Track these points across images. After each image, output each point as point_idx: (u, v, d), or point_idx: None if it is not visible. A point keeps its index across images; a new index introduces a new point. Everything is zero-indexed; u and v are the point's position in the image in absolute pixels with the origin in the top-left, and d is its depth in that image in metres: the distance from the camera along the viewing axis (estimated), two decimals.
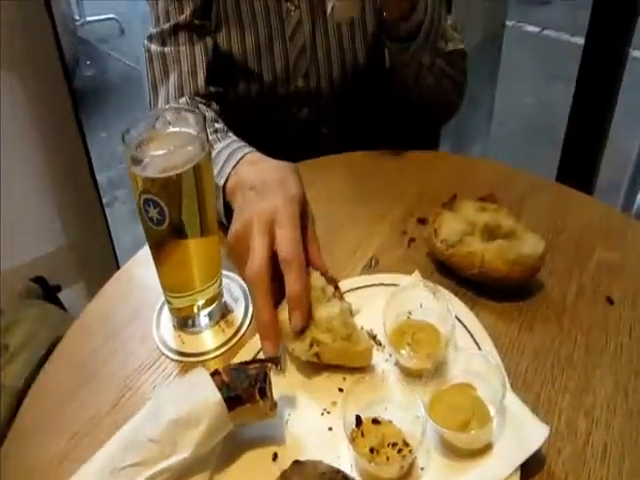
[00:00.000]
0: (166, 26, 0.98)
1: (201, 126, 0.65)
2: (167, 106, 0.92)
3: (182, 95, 0.96)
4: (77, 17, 4.37)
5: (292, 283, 0.63)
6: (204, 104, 0.96)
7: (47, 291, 1.55)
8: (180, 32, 0.98)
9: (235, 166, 0.78)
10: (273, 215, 0.66)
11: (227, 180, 0.77)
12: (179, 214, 0.65)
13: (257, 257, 0.64)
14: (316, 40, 1.03)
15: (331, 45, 1.04)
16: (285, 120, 1.11)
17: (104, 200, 1.72)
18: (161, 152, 0.62)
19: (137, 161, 0.62)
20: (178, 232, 0.66)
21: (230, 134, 0.89)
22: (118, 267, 1.76)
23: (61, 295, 1.57)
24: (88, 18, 4.45)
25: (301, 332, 0.63)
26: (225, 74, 1.03)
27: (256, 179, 0.72)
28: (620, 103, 1.80)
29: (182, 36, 0.98)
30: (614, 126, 1.84)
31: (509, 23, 3.44)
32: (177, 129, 0.67)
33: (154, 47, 0.99)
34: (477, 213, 0.75)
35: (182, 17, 0.97)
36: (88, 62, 4.25)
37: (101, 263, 1.74)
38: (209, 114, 0.93)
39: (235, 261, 0.72)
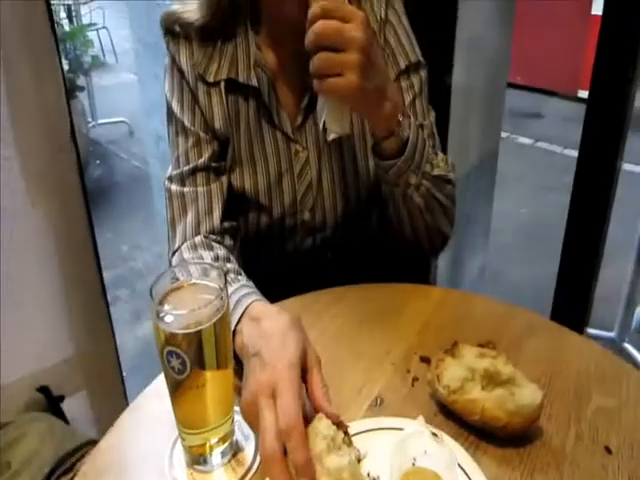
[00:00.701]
0: (186, 168, 1.05)
1: (223, 281, 0.70)
2: (191, 260, 0.97)
3: (198, 233, 1.02)
4: (90, 119, 4.58)
5: (294, 454, 0.65)
6: (217, 241, 1.02)
7: (51, 401, 1.56)
8: (198, 173, 1.04)
9: (240, 319, 0.82)
10: (274, 386, 0.69)
11: (235, 331, 0.82)
12: (200, 362, 0.69)
13: (268, 438, 0.66)
14: (322, 178, 1.10)
15: (336, 182, 1.11)
16: (290, 248, 1.17)
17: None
18: (185, 311, 0.67)
19: (161, 315, 0.67)
20: (197, 375, 0.70)
21: (240, 277, 0.93)
22: (121, 374, 1.78)
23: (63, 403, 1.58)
24: (100, 120, 4.67)
25: None
26: (237, 207, 1.10)
27: (258, 343, 0.76)
28: (614, 216, 1.85)
29: (200, 177, 1.04)
30: (609, 241, 1.89)
31: (503, 134, 3.60)
32: (199, 281, 0.73)
33: (174, 187, 1.05)
34: (477, 359, 0.79)
35: (201, 160, 1.04)
36: (97, 162, 4.41)
37: (105, 371, 1.74)
38: (222, 252, 0.99)
39: (249, 424, 0.75)
